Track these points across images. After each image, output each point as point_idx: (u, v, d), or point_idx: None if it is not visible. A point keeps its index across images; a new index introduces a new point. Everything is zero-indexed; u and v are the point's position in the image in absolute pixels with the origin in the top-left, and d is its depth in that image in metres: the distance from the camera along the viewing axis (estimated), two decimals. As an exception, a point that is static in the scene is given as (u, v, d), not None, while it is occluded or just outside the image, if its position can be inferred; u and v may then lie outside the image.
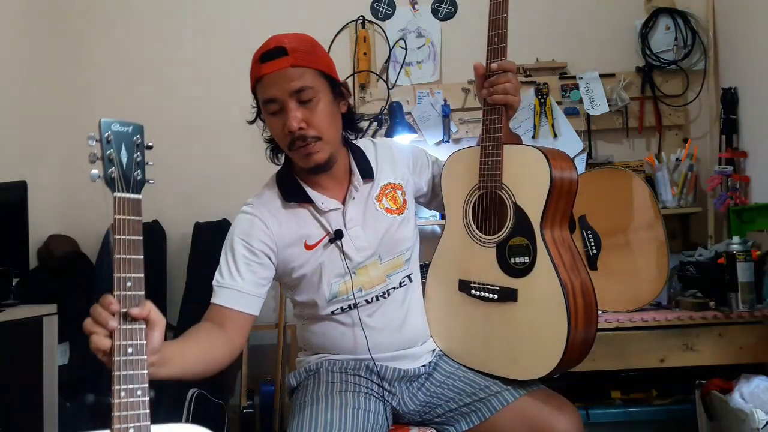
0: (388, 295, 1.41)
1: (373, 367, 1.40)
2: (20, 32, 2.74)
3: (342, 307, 1.40)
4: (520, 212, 1.31)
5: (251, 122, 1.48)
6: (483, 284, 1.36)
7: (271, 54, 1.29)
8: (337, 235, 1.37)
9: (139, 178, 1.02)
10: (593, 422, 2.22)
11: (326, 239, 1.37)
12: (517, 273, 1.31)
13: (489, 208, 1.37)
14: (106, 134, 1.01)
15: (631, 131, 2.86)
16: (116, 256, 0.97)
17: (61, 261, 2.61)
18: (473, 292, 1.38)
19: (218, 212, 2.91)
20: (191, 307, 2.77)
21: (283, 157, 1.47)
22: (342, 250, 1.37)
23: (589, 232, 2.17)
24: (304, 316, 1.49)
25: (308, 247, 1.37)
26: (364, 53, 2.92)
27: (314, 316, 1.44)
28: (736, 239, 2.13)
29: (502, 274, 1.33)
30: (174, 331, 2.84)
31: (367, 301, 1.40)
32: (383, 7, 2.97)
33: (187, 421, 2.48)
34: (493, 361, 1.37)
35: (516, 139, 1.42)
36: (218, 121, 3.02)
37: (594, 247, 2.17)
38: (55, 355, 2.16)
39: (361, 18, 2.95)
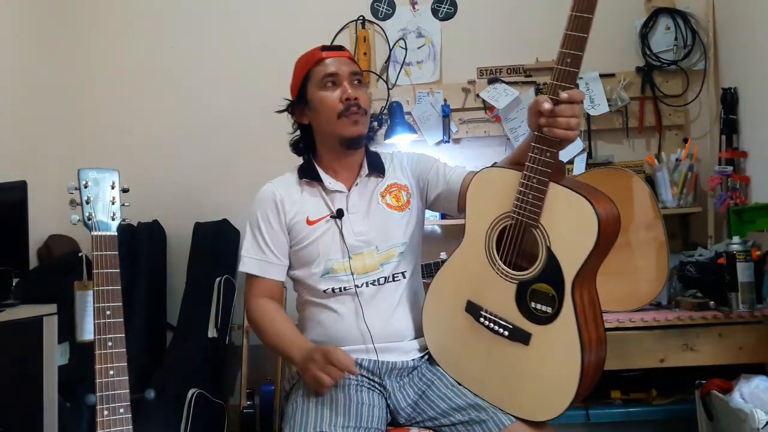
0: (379, 283, 1.48)
1: (362, 361, 1.43)
2: (20, 32, 2.74)
3: (334, 288, 1.47)
4: (553, 260, 1.24)
5: (281, 111, 1.61)
6: (495, 316, 1.32)
7: (332, 47, 1.53)
8: (339, 214, 1.48)
9: (114, 217, 1.17)
10: (593, 422, 2.22)
11: (328, 217, 1.49)
12: (536, 319, 1.26)
13: (517, 241, 1.29)
14: (84, 181, 1.16)
15: (631, 131, 2.86)
16: (96, 288, 1.11)
17: (61, 261, 2.61)
18: (482, 320, 1.34)
19: (218, 212, 2.91)
20: (191, 306, 2.78)
21: (303, 157, 1.61)
22: (341, 231, 1.47)
23: (589, 232, 2.17)
24: (302, 301, 1.55)
25: (310, 223, 1.49)
26: (364, 53, 2.92)
27: (310, 298, 1.51)
28: (736, 239, 2.13)
29: (518, 313, 1.29)
30: (174, 331, 2.84)
31: (357, 286, 1.46)
32: (383, 7, 2.97)
33: (187, 422, 2.48)
34: (489, 390, 1.35)
35: (560, 171, 1.34)
36: (219, 122, 3.02)
37: (594, 247, 2.16)
38: (55, 355, 2.15)
39: (361, 18, 2.95)
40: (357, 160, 1.55)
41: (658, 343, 2.06)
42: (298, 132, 1.61)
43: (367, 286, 1.47)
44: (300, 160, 1.62)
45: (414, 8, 2.97)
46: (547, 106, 1.21)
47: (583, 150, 2.81)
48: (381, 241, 1.49)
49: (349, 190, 1.52)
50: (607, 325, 2.01)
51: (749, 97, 2.55)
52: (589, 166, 2.77)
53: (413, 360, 1.46)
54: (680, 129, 2.85)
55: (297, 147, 1.61)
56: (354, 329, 1.45)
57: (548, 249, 1.25)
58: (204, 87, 3.03)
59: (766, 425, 1.73)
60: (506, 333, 1.30)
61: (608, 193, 2.36)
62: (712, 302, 2.13)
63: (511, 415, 1.30)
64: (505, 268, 1.32)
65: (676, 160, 2.65)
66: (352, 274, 1.46)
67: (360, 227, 1.49)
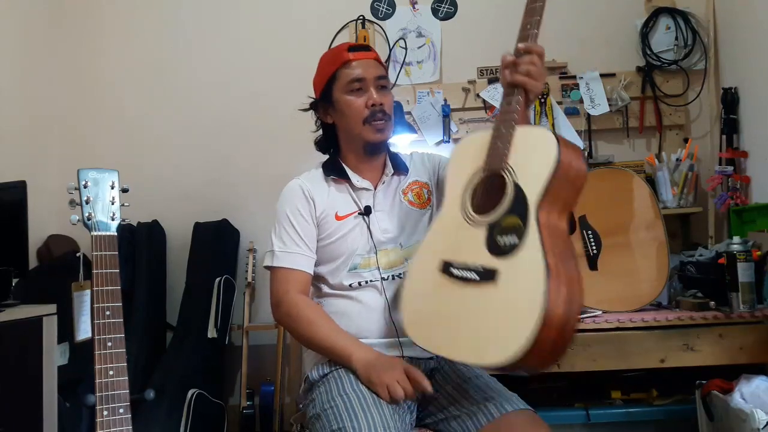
0: (403, 277, 1.48)
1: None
2: (20, 32, 2.74)
3: (360, 282, 1.48)
4: (518, 191, 1.25)
5: (305, 110, 1.63)
6: (466, 264, 1.28)
7: (359, 47, 1.53)
8: (366, 211, 1.52)
9: (114, 217, 1.18)
10: (593, 422, 2.22)
11: (356, 213, 1.52)
12: (502, 252, 1.23)
13: (490, 190, 1.32)
14: (84, 182, 1.16)
15: (632, 131, 2.86)
16: (95, 288, 1.11)
17: (60, 261, 2.61)
18: (454, 271, 1.30)
19: (218, 212, 2.91)
20: (191, 306, 2.78)
21: (326, 156, 1.63)
22: (368, 227, 1.51)
23: (589, 232, 2.17)
24: (321, 294, 1.55)
25: (338, 218, 1.52)
26: (365, 52, 2.92)
27: (332, 291, 1.51)
28: (736, 239, 2.13)
29: (487, 254, 1.25)
30: (174, 331, 2.84)
31: (383, 278, 1.48)
32: (383, 7, 2.97)
33: (187, 422, 2.48)
34: (461, 347, 1.25)
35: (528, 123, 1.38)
36: (219, 122, 3.02)
37: (594, 247, 2.16)
38: (55, 355, 2.15)
39: (361, 18, 2.95)
40: (381, 160, 1.58)
41: (658, 343, 2.05)
42: (320, 131, 1.63)
43: (393, 279, 1.49)
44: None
45: (414, 8, 2.97)
46: (508, 58, 1.34)
47: (584, 150, 2.80)
48: (405, 238, 1.53)
49: (375, 188, 1.55)
50: (607, 325, 2.05)
51: (749, 97, 2.55)
52: (589, 166, 2.77)
53: (433, 359, 1.46)
54: (681, 129, 2.85)
55: (321, 145, 1.63)
56: (380, 321, 1.45)
57: (515, 184, 1.26)
58: (204, 87, 3.04)
59: (766, 425, 1.73)
60: (477, 277, 1.24)
61: (608, 193, 2.33)
62: (712, 302, 2.12)
63: (503, 409, 1.29)
64: (475, 214, 1.31)
65: (677, 160, 2.65)
66: (378, 269, 1.48)
67: (386, 224, 1.52)
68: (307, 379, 1.48)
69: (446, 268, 1.32)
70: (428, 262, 1.37)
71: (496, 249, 1.24)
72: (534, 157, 1.26)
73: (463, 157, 1.41)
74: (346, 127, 1.52)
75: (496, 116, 1.33)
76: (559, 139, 1.24)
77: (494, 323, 1.20)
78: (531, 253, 1.19)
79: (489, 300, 1.22)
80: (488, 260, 1.24)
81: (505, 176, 1.28)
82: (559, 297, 1.14)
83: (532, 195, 1.23)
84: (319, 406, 1.34)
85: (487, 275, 1.23)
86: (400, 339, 1.43)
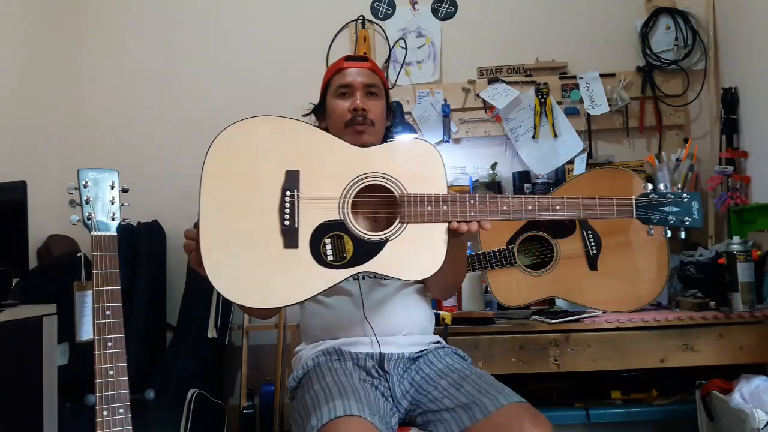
0: (376, 276, 1.49)
1: (365, 359, 1.43)
2: (20, 32, 2.74)
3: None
4: (382, 246, 1.32)
5: (306, 115, 1.64)
6: (292, 220, 1.33)
7: (356, 57, 1.60)
8: None
9: (114, 217, 1.19)
10: (593, 422, 2.22)
11: None
12: (315, 251, 1.28)
13: (372, 207, 1.39)
14: (84, 182, 1.18)
15: (632, 131, 2.86)
16: (95, 288, 1.12)
17: (60, 261, 2.61)
18: (286, 199, 1.33)
19: (218, 212, 2.91)
20: (191, 306, 2.77)
21: None
22: None
23: (589, 232, 2.17)
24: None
25: None
26: (364, 53, 2.92)
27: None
28: (736, 239, 2.13)
29: (309, 231, 1.30)
30: (174, 331, 2.84)
31: (356, 277, 1.46)
32: (383, 7, 2.97)
33: (187, 422, 2.48)
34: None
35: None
36: (219, 122, 3.01)
37: (594, 247, 2.17)
38: (55, 355, 2.15)
39: (361, 18, 2.95)
40: None
41: (658, 343, 2.05)
42: None
43: (363, 278, 1.49)
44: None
45: (414, 8, 2.97)
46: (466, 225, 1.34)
47: (584, 150, 2.81)
48: None
49: None
50: (607, 325, 2.05)
51: (749, 97, 2.55)
52: (589, 166, 2.77)
53: (410, 353, 1.47)
54: (680, 129, 2.85)
55: None
56: (354, 319, 1.47)
57: (387, 239, 1.31)
58: (204, 87, 3.03)
59: (766, 425, 1.73)
60: (287, 223, 1.28)
61: (608, 193, 2.33)
62: (712, 302, 2.13)
63: (498, 402, 1.28)
64: (349, 208, 1.31)
65: (677, 160, 2.65)
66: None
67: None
68: (290, 385, 1.52)
69: (290, 180, 1.33)
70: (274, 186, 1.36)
71: (314, 243, 1.28)
72: (422, 253, 1.32)
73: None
74: (333, 130, 1.55)
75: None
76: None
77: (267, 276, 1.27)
78: (323, 275, 1.26)
79: (281, 258, 1.28)
80: (303, 236, 1.28)
81: (396, 230, 1.32)
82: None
83: (379, 268, 1.29)
84: (300, 404, 1.38)
85: (292, 243, 1.28)
86: (378, 337, 1.45)
